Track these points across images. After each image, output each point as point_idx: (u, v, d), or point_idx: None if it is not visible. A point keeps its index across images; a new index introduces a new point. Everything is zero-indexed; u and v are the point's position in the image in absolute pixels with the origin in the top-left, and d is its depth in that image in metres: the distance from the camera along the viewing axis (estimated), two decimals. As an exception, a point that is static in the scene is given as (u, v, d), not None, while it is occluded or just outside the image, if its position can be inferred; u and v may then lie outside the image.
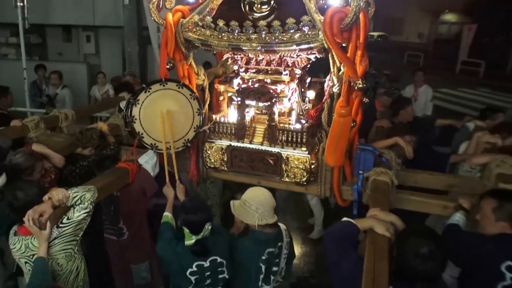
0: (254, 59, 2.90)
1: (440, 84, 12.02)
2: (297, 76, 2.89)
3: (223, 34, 2.49)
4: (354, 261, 1.86)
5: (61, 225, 1.99)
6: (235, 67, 3.03)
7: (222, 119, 2.97)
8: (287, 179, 2.87)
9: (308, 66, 2.96)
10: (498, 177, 2.54)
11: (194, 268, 2.14)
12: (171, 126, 2.58)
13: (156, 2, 2.45)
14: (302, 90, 2.93)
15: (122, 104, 4.28)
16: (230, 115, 3.07)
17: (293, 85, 2.90)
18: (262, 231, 2.25)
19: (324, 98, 2.83)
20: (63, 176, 2.91)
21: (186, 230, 2.10)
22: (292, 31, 2.36)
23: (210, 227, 2.14)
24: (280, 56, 2.79)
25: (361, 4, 2.09)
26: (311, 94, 2.92)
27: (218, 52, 3.07)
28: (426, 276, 1.71)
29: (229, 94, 3.08)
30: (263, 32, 2.40)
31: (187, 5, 2.69)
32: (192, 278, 2.16)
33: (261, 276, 2.29)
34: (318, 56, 2.72)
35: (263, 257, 2.26)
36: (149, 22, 6.24)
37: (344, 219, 2.07)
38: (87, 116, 4.58)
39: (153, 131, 2.58)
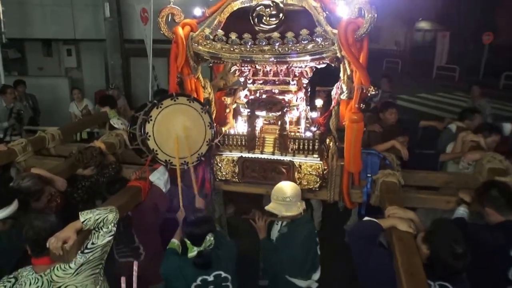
0: (261, 70, 2.74)
1: (418, 89, 12.25)
2: (304, 85, 2.78)
3: (235, 47, 2.34)
4: (383, 257, 1.87)
5: (86, 251, 1.80)
6: (241, 79, 2.86)
7: (231, 131, 2.79)
8: (300, 187, 2.73)
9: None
10: (489, 171, 2.68)
11: (199, 282, 2.05)
12: (187, 142, 2.37)
13: (165, 16, 2.23)
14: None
15: (113, 122, 3.99)
16: (238, 126, 2.90)
17: (301, 94, 2.79)
18: None
19: (332, 105, 2.75)
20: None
21: (188, 242, 2.03)
22: (305, 42, 2.27)
23: (212, 238, 2.05)
24: (287, 66, 2.66)
25: (375, 15, 2.00)
26: (319, 102, 2.82)
27: (216, 65, 2.90)
28: (456, 271, 1.73)
29: (234, 106, 2.92)
30: (277, 44, 2.29)
31: (193, 18, 2.49)
32: None
33: None
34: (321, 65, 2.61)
35: None
36: (147, 33, 5.94)
37: (367, 218, 2.06)
38: (73, 134, 4.26)
39: (167, 148, 2.40)
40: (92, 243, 1.81)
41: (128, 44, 7.41)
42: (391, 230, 1.99)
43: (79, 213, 1.82)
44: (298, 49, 2.31)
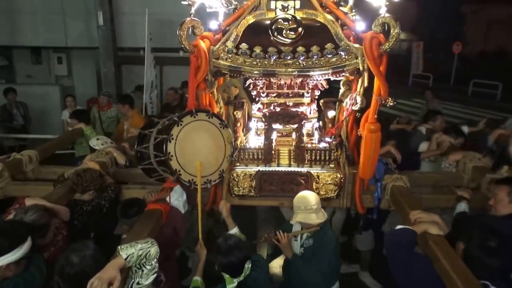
0: (276, 83, 2.60)
1: (395, 95, 12.43)
2: (316, 97, 2.67)
3: (258, 60, 2.18)
4: (424, 261, 1.82)
5: None
6: (254, 92, 2.71)
7: (246, 145, 2.63)
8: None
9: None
10: (473, 169, 2.85)
11: None
12: (210, 159, 2.20)
13: (186, 29, 2.04)
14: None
15: (93, 144, 3.48)
16: (251, 140, 2.75)
17: (314, 106, 2.68)
18: None
19: (345, 116, 2.65)
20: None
21: (226, 276, 1.84)
22: (330, 55, 2.13)
23: (250, 265, 1.90)
24: (302, 80, 2.54)
25: (400, 32, 1.92)
26: (331, 114, 2.70)
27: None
28: (490, 268, 1.69)
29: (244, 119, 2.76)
30: (301, 58, 2.15)
31: (209, 31, 2.31)
32: None
33: None
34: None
35: None
36: (147, 43, 5.61)
37: (400, 226, 2.03)
38: (50, 154, 3.61)
39: (190, 167, 2.19)
40: (138, 283, 1.56)
41: (120, 52, 7.14)
42: (425, 235, 1.96)
43: (118, 248, 1.56)
44: (322, 63, 2.21)
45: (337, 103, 2.92)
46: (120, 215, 2.24)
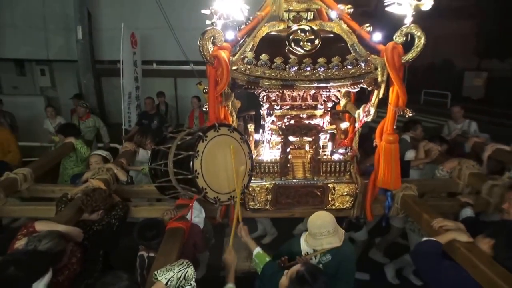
0: (289, 95, 2.37)
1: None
2: (328, 109, 2.47)
3: (278, 72, 1.92)
4: (458, 269, 1.73)
5: None
6: (266, 105, 2.45)
7: (263, 159, 2.37)
8: (333, 207, 2.44)
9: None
10: (470, 176, 2.78)
11: None
12: (235, 175, 1.92)
13: (208, 39, 1.74)
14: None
15: (101, 152, 3.20)
16: (265, 153, 2.48)
17: (327, 118, 2.47)
18: None
19: (357, 127, 2.47)
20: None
21: None
22: (350, 66, 1.92)
23: None
24: (315, 92, 2.33)
25: (425, 42, 1.76)
26: (344, 125, 2.51)
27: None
28: None
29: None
30: (322, 69, 1.92)
31: (225, 42, 2.02)
32: None
33: None
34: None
35: None
36: (125, 54, 5.54)
37: (425, 239, 1.95)
38: (43, 172, 3.21)
39: (214, 184, 1.88)
40: None
41: (98, 65, 6.85)
42: (454, 243, 1.87)
43: (156, 273, 1.47)
44: (341, 74, 1.99)
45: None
46: (138, 238, 1.94)
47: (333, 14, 2.23)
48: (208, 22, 1.88)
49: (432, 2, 1.79)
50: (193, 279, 1.51)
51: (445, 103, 12.70)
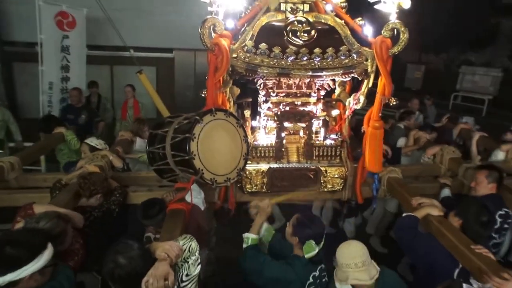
0: (285, 83, 2.54)
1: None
2: (321, 96, 2.66)
3: (276, 61, 2.08)
4: (431, 239, 1.99)
5: (183, 285, 1.50)
6: (262, 92, 2.62)
7: (259, 144, 2.54)
8: (325, 189, 2.65)
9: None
10: (450, 160, 3.07)
11: (311, 280, 1.82)
12: (230, 157, 2.07)
13: (208, 27, 1.88)
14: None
15: (95, 143, 3.13)
16: (261, 138, 2.66)
17: (320, 105, 2.66)
18: None
19: (347, 115, 2.67)
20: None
21: (311, 243, 1.78)
22: (343, 57, 2.11)
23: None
24: (310, 80, 2.51)
25: (408, 36, 1.97)
26: (335, 112, 2.71)
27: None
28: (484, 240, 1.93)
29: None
30: (317, 59, 2.10)
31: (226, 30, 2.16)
32: None
33: None
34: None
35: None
36: (45, 36, 4.71)
37: (404, 214, 2.21)
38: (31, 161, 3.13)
39: (210, 166, 2.03)
40: (187, 275, 1.51)
41: (7, 47, 5.75)
42: (428, 217, 2.14)
43: None
44: (335, 64, 2.17)
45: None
46: (143, 217, 2.03)
47: (329, 7, 2.40)
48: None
49: (409, 2, 2.00)
50: (197, 251, 1.59)
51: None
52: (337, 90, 2.98)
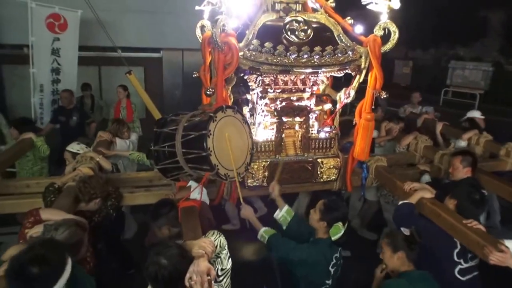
0: (281, 79, 2.69)
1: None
2: (315, 92, 2.86)
3: (279, 58, 2.22)
4: (423, 221, 2.20)
5: (219, 279, 1.56)
6: (259, 89, 2.74)
7: (258, 139, 2.67)
8: (321, 180, 2.85)
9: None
10: (425, 148, 3.43)
11: (334, 261, 2.00)
12: (239, 152, 2.17)
13: (220, 27, 1.95)
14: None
15: (76, 148, 2.97)
16: (260, 134, 2.78)
17: (313, 100, 2.85)
18: None
19: (338, 108, 2.90)
20: None
21: (339, 225, 1.94)
22: (340, 55, 2.31)
23: None
24: (304, 76, 2.68)
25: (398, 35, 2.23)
26: (327, 106, 2.93)
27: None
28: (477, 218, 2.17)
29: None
30: (316, 56, 2.27)
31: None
32: (332, 270, 2.01)
33: None
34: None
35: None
36: (37, 39, 4.70)
37: (400, 202, 2.40)
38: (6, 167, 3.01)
39: (224, 161, 2.11)
40: (222, 269, 1.57)
41: None
42: (422, 201, 2.36)
43: None
44: (332, 61, 2.36)
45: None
46: (156, 216, 1.98)
47: (318, 6, 2.59)
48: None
49: (398, 2, 2.26)
50: (226, 245, 1.68)
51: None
52: (321, 86, 3.21)
